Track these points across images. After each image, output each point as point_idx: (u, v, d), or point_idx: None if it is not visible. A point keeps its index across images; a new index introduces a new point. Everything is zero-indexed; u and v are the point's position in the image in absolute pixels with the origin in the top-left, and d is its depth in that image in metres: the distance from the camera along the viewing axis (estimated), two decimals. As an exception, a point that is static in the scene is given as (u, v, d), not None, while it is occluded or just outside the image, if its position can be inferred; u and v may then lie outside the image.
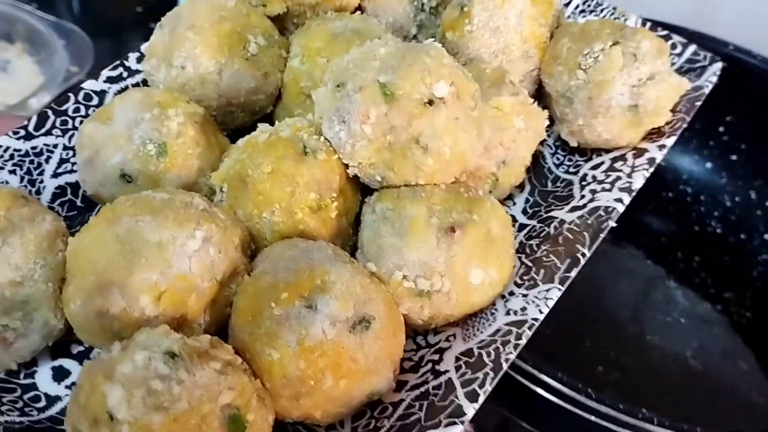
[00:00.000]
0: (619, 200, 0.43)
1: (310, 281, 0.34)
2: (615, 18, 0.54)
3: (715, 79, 0.50)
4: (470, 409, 0.34)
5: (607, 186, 0.45)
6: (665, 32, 0.53)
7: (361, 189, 0.41)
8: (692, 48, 0.52)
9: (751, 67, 0.63)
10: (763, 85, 0.63)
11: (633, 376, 0.56)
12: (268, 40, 0.45)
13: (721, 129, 0.67)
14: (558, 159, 0.50)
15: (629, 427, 0.42)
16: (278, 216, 0.38)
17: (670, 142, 0.46)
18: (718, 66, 0.51)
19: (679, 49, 0.52)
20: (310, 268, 0.34)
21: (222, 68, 0.43)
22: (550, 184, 0.48)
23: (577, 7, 0.56)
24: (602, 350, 0.57)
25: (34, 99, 0.74)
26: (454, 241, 0.37)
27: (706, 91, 0.49)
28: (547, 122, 0.46)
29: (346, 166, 0.39)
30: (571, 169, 0.48)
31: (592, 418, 0.43)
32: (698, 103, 0.49)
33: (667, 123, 0.47)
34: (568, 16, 0.55)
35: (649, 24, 0.53)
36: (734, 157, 0.67)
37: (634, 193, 0.44)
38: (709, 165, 0.68)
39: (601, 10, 0.55)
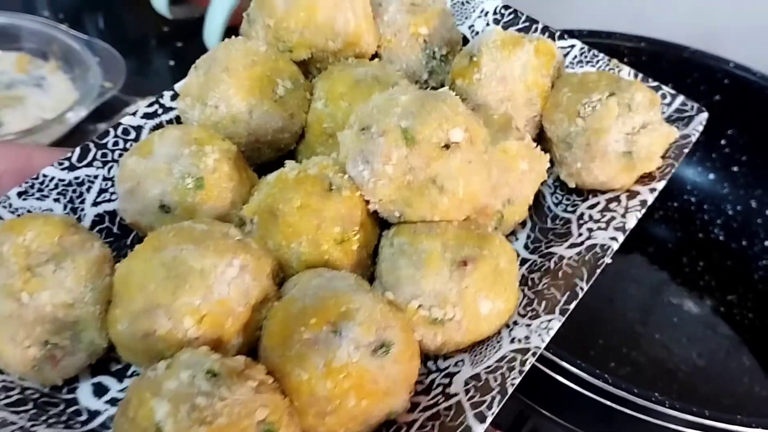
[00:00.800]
0: (614, 239, 0.47)
1: (336, 308, 0.37)
2: (609, 69, 0.59)
3: (701, 128, 0.55)
4: (479, 429, 0.37)
5: (603, 225, 0.48)
6: (656, 84, 0.57)
7: (380, 223, 0.44)
8: (680, 99, 0.57)
9: (751, 83, 0.68)
10: (762, 101, 0.68)
11: (643, 370, 0.61)
12: (295, 83, 0.49)
13: (723, 142, 0.72)
14: (557, 198, 0.54)
15: (642, 410, 0.47)
16: (305, 247, 0.41)
17: (660, 185, 0.50)
18: (704, 116, 0.55)
19: (668, 99, 0.57)
20: (335, 296, 0.38)
21: (252, 108, 0.47)
22: (549, 221, 0.52)
23: (575, 57, 0.60)
24: (614, 348, 0.62)
25: (71, 113, 0.77)
26: (466, 274, 0.40)
27: (693, 139, 0.54)
28: (548, 164, 0.50)
29: (368, 202, 0.42)
30: (570, 209, 0.52)
31: (608, 402, 0.47)
32: (686, 150, 0.53)
33: (658, 168, 0.51)
34: (568, 65, 0.60)
35: (640, 76, 0.57)
36: (735, 168, 0.72)
37: (627, 233, 0.47)
38: (712, 176, 0.72)
39: (597, 61, 0.60)
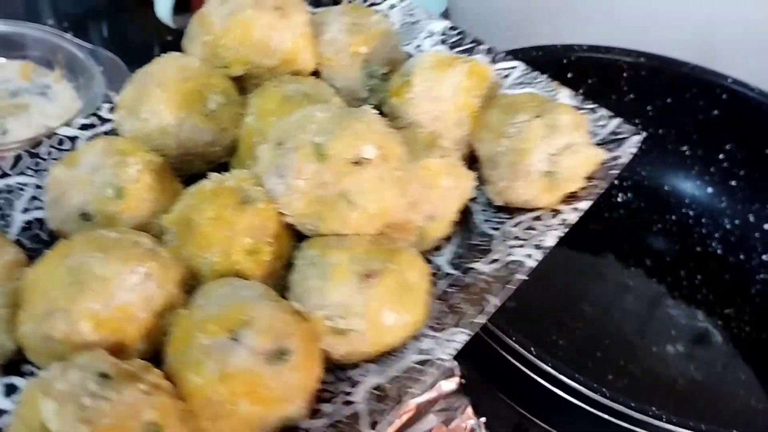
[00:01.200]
0: (530, 256, 0.48)
1: (236, 315, 0.38)
2: (550, 90, 0.60)
3: (635, 149, 0.56)
4: None
5: (522, 243, 0.49)
6: (593, 106, 0.58)
7: (296, 236, 0.46)
8: (616, 121, 0.58)
9: (748, 99, 0.69)
10: (760, 116, 0.68)
11: (640, 382, 0.62)
12: (227, 98, 0.51)
13: (721, 156, 0.72)
14: (485, 216, 0.55)
15: (639, 424, 0.48)
16: (217, 257, 0.42)
17: (584, 205, 0.51)
18: (639, 138, 0.56)
19: (604, 122, 0.58)
20: (238, 305, 0.39)
21: (182, 122, 0.49)
22: (475, 238, 0.53)
23: (517, 78, 0.62)
24: (612, 360, 0.63)
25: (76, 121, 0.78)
26: (371, 286, 0.41)
27: (625, 160, 0.55)
28: (476, 183, 0.52)
29: (283, 215, 0.44)
30: (495, 226, 0.53)
31: (605, 415, 0.48)
32: (615, 172, 0.54)
33: (584, 188, 0.52)
34: (509, 86, 0.61)
35: (580, 98, 0.59)
36: (734, 183, 0.72)
37: (546, 251, 0.48)
38: (710, 190, 0.73)
39: (538, 83, 0.61)
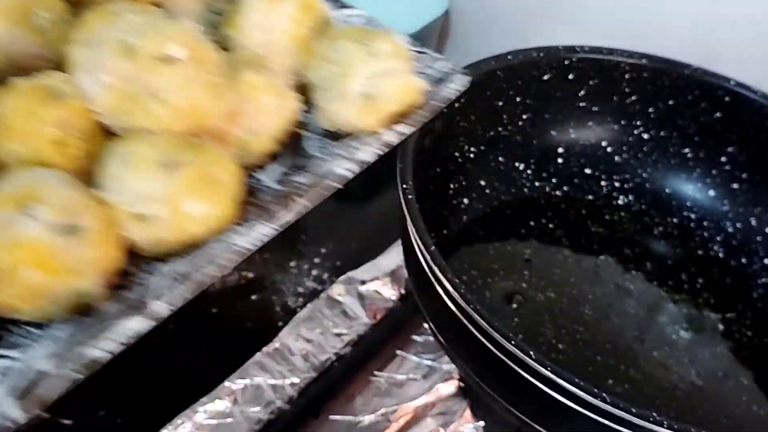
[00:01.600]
0: (349, 170, 0.50)
1: (29, 192, 0.39)
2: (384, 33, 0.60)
3: (462, 89, 0.57)
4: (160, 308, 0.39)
5: (342, 159, 0.51)
6: (424, 49, 0.60)
7: (107, 132, 0.46)
8: (445, 63, 0.59)
9: (751, 102, 0.67)
10: (762, 118, 0.67)
11: (641, 388, 0.61)
12: (57, 15, 0.51)
13: (723, 159, 0.72)
14: (314, 141, 0.56)
15: (640, 430, 0.47)
16: (22, 146, 0.43)
17: (405, 129, 0.54)
18: (467, 80, 0.58)
19: (431, 62, 0.59)
20: (33, 184, 0.40)
21: (6, 32, 0.48)
22: (301, 160, 0.54)
23: (357, 22, 0.62)
24: (612, 365, 0.62)
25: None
26: (172, 175, 0.42)
27: (451, 96, 0.57)
28: (299, 104, 0.54)
29: (94, 112, 0.44)
30: (322, 148, 0.55)
31: (605, 421, 0.48)
32: (439, 104, 0.56)
33: (406, 115, 0.54)
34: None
35: (411, 39, 0.60)
36: (736, 186, 0.71)
37: (364, 165, 0.51)
38: (712, 192, 0.72)
39: (378, 26, 0.61)
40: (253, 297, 0.73)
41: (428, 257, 0.53)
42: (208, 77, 0.45)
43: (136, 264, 0.43)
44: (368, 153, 0.52)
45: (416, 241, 0.56)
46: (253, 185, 0.49)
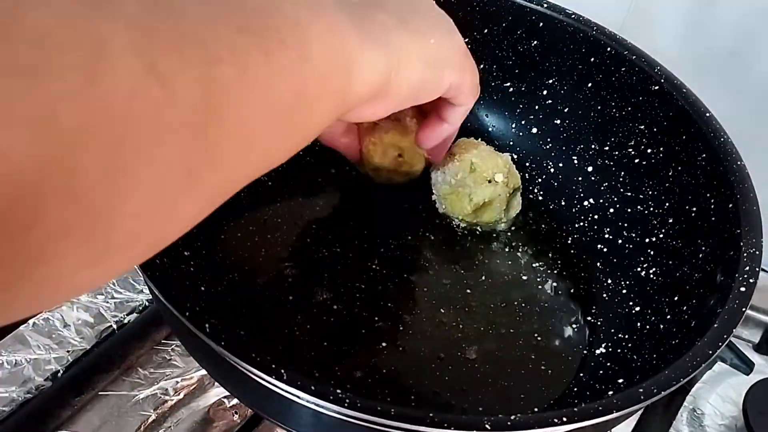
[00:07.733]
0: None
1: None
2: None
3: None
4: None
5: None
6: None
7: None
8: None
9: (565, 26, 0.56)
10: (578, 44, 0.56)
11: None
12: None
13: (545, 92, 0.61)
14: None
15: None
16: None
17: None
18: None
19: None
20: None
21: None
22: None
23: None
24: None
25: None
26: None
27: None
28: None
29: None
30: None
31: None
32: None
33: None
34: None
35: None
36: (558, 121, 0.62)
37: None
38: (534, 130, 0.63)
39: None
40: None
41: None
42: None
43: None
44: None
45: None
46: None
